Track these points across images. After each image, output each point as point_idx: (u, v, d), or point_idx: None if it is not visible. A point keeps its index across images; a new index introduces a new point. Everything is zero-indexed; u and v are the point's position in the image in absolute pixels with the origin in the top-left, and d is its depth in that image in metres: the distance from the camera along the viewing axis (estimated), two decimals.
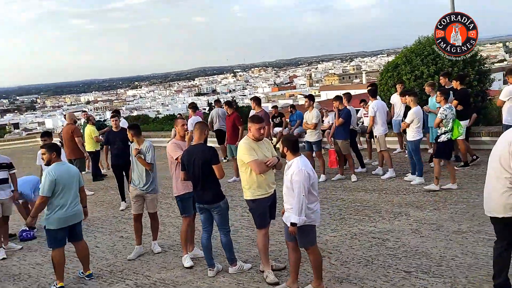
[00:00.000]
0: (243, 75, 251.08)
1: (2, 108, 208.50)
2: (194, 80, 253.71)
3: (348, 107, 10.36)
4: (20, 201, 8.41)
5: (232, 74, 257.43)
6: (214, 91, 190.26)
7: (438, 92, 9.14)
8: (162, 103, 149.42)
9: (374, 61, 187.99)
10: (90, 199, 10.57)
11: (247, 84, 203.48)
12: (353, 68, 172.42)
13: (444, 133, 8.67)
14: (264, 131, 5.95)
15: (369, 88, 10.98)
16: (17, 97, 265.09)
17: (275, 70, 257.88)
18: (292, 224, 5.10)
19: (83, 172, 11.72)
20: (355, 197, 8.97)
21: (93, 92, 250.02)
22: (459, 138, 9.44)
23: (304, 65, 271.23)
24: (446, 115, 8.60)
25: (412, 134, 9.32)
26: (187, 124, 6.89)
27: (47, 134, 9.12)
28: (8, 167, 7.72)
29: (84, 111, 15.57)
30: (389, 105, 11.57)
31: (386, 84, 13.39)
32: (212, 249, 6.23)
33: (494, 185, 4.73)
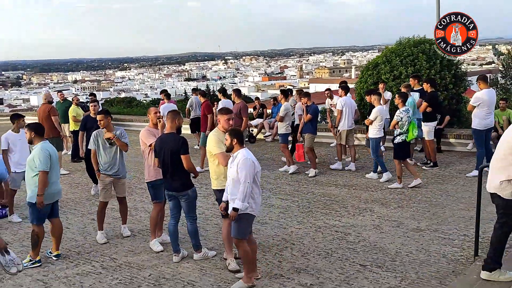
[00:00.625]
0: (234, 62, 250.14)
1: None
2: (184, 65, 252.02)
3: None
4: None
5: (223, 61, 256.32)
6: (204, 77, 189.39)
7: (396, 95, 9.47)
8: (151, 86, 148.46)
9: (364, 56, 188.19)
10: (66, 180, 10.71)
11: (238, 72, 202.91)
12: (344, 62, 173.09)
13: (399, 134, 9.02)
14: (233, 122, 6.08)
15: (343, 84, 11.31)
16: (3, 72, 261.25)
17: (266, 60, 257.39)
18: (234, 209, 5.26)
19: (62, 152, 11.85)
20: (325, 191, 9.22)
21: (81, 71, 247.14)
22: (426, 138, 9.73)
23: (295, 56, 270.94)
24: (402, 118, 8.95)
25: (374, 132, 9.67)
26: (159, 112, 7.02)
27: (17, 116, 8.91)
28: None
29: (60, 92, 15.60)
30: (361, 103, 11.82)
31: (366, 82, 13.62)
32: (178, 235, 6.42)
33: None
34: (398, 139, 9.07)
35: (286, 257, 6.34)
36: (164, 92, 14.59)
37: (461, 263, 5.92)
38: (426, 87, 10.37)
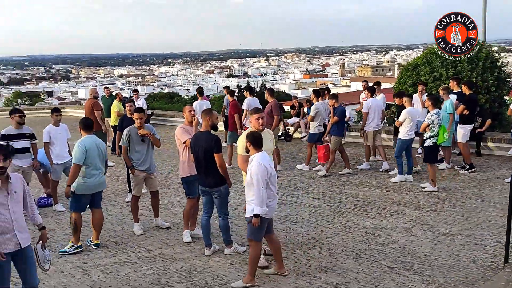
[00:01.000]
0: (276, 59, 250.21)
1: (38, 75, 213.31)
2: (226, 61, 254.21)
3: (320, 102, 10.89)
4: (41, 170, 8.98)
5: (264, 58, 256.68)
6: (245, 74, 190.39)
7: (426, 97, 9.40)
8: (193, 82, 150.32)
9: (409, 55, 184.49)
10: (107, 173, 11.12)
11: (279, 69, 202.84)
12: (387, 61, 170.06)
13: (430, 137, 8.97)
14: (263, 121, 6.21)
15: (369, 86, 11.43)
16: (53, 66, 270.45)
17: (308, 57, 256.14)
18: (255, 215, 5.38)
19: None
20: (358, 192, 9.25)
21: (127, 66, 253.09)
22: (459, 141, 9.61)
23: (338, 54, 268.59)
24: (433, 121, 8.91)
25: (403, 133, 9.69)
26: (194, 110, 7.25)
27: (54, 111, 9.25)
28: (30, 137, 8.28)
29: (106, 87, 16.19)
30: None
31: (405, 83, 13.50)
32: (210, 229, 6.64)
33: None
34: (428, 142, 9.03)
35: (314, 255, 6.46)
36: (199, 89, 14.90)
37: (491, 270, 5.89)
38: (465, 89, 10.26)
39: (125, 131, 7.37)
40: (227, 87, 15.04)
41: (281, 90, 72.47)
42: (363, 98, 11.83)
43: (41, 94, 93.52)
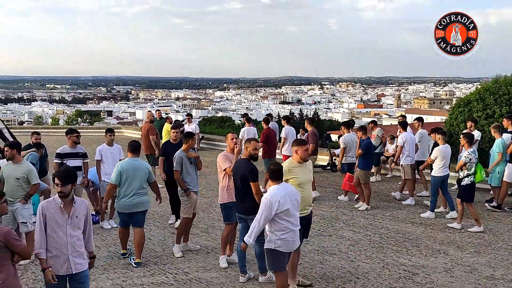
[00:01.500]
0: (330, 88, 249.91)
1: (100, 95, 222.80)
2: (281, 88, 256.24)
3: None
4: (91, 188, 9.41)
5: (319, 86, 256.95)
6: (299, 101, 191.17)
7: (461, 136, 9.34)
8: (247, 107, 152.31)
9: (469, 88, 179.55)
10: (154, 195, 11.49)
11: (333, 98, 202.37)
12: (446, 94, 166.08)
13: (467, 176, 8.86)
14: (308, 152, 6.36)
15: (400, 121, 11.72)
16: (114, 86, 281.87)
17: (363, 87, 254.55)
18: (243, 241, 5.70)
19: (156, 167, 12.80)
20: (400, 228, 9.10)
21: (184, 89, 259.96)
22: (505, 180, 9.37)
23: (394, 85, 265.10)
24: (470, 159, 8.82)
25: (436, 170, 9.61)
26: (236, 138, 7.44)
27: (108, 131, 9.58)
28: (83, 156, 8.75)
29: (158, 110, 16.87)
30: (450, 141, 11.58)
31: (456, 119, 13.23)
32: (246, 256, 6.73)
33: None
34: (466, 181, 8.90)
35: None
36: (245, 115, 15.25)
37: None
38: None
39: (178, 156, 7.60)
40: (269, 115, 15.28)
41: (334, 119, 72.11)
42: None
43: (101, 113, 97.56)
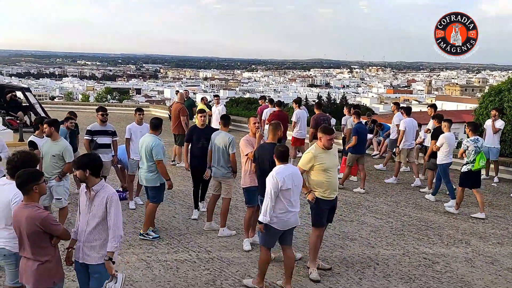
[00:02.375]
0: (360, 72, 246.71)
1: (129, 73, 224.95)
2: (309, 70, 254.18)
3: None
4: (119, 166, 9.64)
5: (348, 70, 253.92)
6: (327, 84, 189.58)
7: (465, 124, 9.56)
8: (275, 89, 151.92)
9: (503, 76, 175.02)
10: (180, 173, 11.74)
11: (362, 82, 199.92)
12: (478, 81, 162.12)
13: (466, 163, 9.14)
14: (332, 141, 6.36)
15: (403, 106, 12.08)
16: (144, 65, 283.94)
17: (393, 72, 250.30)
18: (259, 222, 5.75)
19: (183, 147, 13.01)
20: (422, 216, 9.10)
21: (212, 69, 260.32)
22: None
23: (425, 71, 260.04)
24: (468, 147, 9.03)
25: (441, 158, 9.76)
26: (259, 122, 7.49)
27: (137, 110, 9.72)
28: (112, 134, 8.97)
29: (185, 90, 17.11)
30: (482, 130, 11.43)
31: (486, 108, 13.00)
32: None
33: None
34: (464, 168, 9.18)
35: (367, 275, 6.49)
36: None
37: None
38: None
39: (212, 136, 7.75)
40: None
41: (362, 104, 71.36)
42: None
43: (130, 91, 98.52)
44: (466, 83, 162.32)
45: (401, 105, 13.09)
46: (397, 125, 11.97)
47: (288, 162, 5.87)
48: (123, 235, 4.67)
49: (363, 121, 11.99)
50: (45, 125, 7.34)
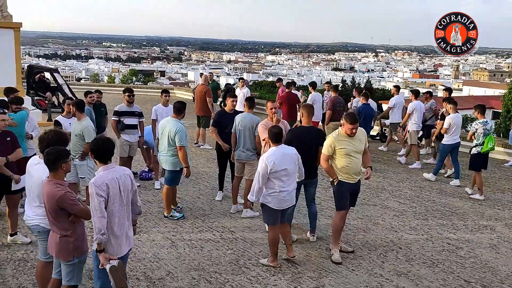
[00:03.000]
0: (385, 56, 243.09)
1: (154, 55, 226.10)
2: (334, 54, 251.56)
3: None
4: (145, 146, 9.79)
5: (373, 54, 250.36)
6: (351, 68, 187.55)
7: (474, 107, 9.59)
8: (298, 73, 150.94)
9: None
10: (204, 155, 11.87)
11: (387, 66, 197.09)
12: (508, 66, 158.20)
13: (475, 146, 9.27)
14: (352, 131, 6.28)
15: (412, 89, 12.35)
16: (168, 47, 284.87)
17: (420, 56, 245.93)
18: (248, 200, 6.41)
19: (207, 129, 13.17)
20: (447, 202, 9.04)
21: (236, 52, 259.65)
22: None
23: (438, 49, 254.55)
24: (476, 129, 9.17)
25: (447, 138, 9.94)
26: (276, 108, 7.47)
27: (163, 92, 9.83)
28: (139, 115, 9.09)
29: (210, 73, 17.14)
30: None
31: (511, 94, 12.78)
32: (292, 219, 6.92)
33: None
34: (473, 150, 9.27)
35: (390, 259, 6.51)
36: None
37: None
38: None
39: (237, 119, 7.85)
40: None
41: (386, 88, 70.40)
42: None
43: (154, 73, 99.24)
44: (495, 68, 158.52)
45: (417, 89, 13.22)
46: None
47: (281, 143, 6.05)
48: (102, 229, 4.28)
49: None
50: (67, 105, 7.49)
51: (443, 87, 12.05)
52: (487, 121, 9.22)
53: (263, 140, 7.17)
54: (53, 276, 4.75)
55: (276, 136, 5.98)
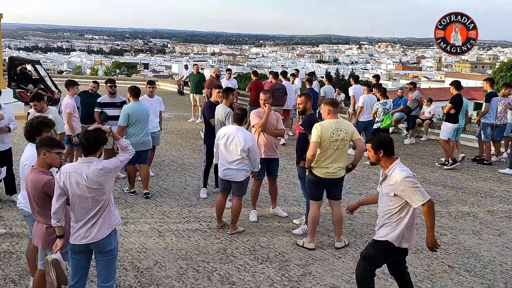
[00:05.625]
0: (369, 48, 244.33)
1: (137, 47, 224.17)
2: (318, 46, 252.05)
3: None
4: None
5: (357, 46, 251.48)
6: (335, 61, 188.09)
7: (377, 89, 11.21)
8: (283, 65, 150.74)
9: None
10: (190, 146, 11.85)
11: (371, 58, 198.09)
12: (489, 58, 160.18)
13: (376, 122, 10.97)
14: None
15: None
16: (151, 39, 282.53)
17: (403, 48, 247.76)
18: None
19: (189, 120, 13.19)
20: (430, 190, 9.13)
21: (220, 44, 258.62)
22: (441, 138, 10.68)
23: (436, 47, 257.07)
24: (377, 109, 10.87)
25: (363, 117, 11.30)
26: (269, 98, 7.47)
27: (149, 83, 9.86)
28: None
29: (195, 65, 17.11)
30: None
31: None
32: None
33: None
34: (374, 126, 10.95)
35: None
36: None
37: None
38: (486, 86, 11.44)
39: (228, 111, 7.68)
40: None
41: (370, 80, 70.80)
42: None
43: (137, 65, 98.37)
44: (477, 60, 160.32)
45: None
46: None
47: (242, 125, 6.65)
48: (55, 215, 4.24)
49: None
50: (31, 103, 7.22)
51: (373, 75, 12.52)
52: (386, 101, 10.94)
53: (253, 126, 7.24)
54: (39, 267, 4.72)
55: (237, 117, 6.66)
